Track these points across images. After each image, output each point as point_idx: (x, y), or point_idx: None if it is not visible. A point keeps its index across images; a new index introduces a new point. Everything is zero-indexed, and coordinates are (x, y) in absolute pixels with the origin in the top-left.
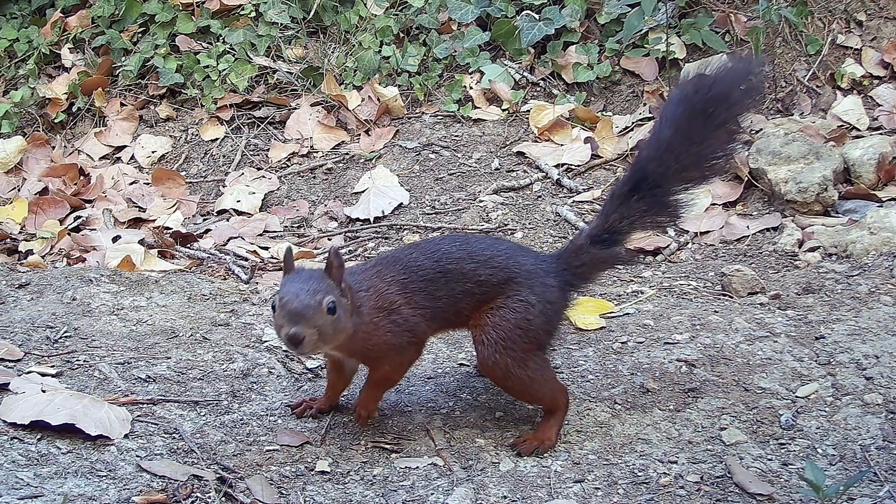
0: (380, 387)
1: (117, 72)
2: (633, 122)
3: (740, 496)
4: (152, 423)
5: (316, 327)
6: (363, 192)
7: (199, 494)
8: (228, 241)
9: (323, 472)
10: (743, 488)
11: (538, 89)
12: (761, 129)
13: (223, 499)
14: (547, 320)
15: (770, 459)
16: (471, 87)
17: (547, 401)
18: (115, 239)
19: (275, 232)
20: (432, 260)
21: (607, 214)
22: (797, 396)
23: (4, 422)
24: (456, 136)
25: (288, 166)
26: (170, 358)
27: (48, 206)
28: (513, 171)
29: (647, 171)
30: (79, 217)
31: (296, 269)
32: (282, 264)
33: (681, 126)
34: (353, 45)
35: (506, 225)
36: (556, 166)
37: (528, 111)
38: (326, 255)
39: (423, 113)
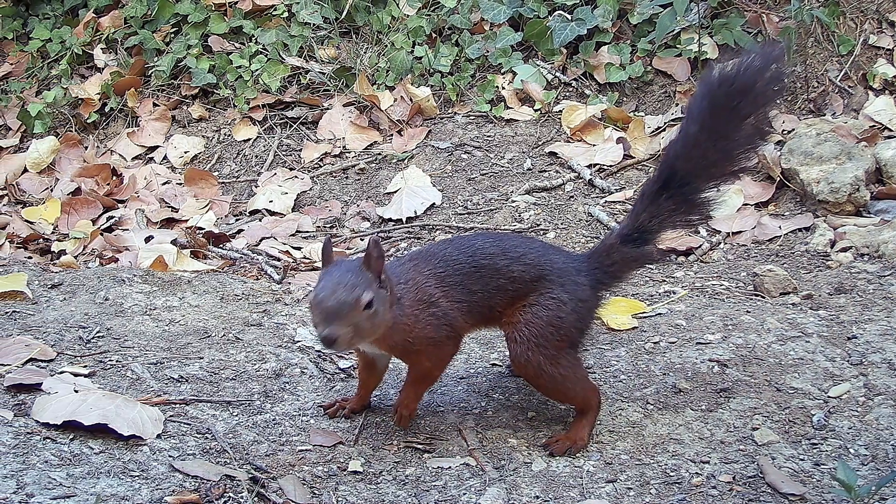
0: (420, 384)
1: (150, 72)
2: (665, 123)
3: (772, 496)
4: (185, 423)
5: (352, 325)
6: (395, 192)
7: (231, 494)
8: (261, 241)
9: (355, 472)
10: (775, 488)
11: (570, 89)
12: (793, 130)
13: (255, 499)
14: (579, 318)
15: (802, 459)
16: (503, 88)
17: (579, 400)
18: (147, 239)
19: (307, 232)
20: (467, 255)
21: (637, 213)
22: (829, 396)
23: (37, 422)
24: (488, 136)
25: (320, 166)
26: (202, 358)
27: (81, 207)
28: (545, 171)
29: (676, 169)
30: (111, 217)
31: (334, 262)
32: (320, 257)
33: (706, 121)
34: (386, 46)
35: (538, 225)
36: (589, 166)
37: (561, 111)
38: (366, 245)
39: (455, 113)
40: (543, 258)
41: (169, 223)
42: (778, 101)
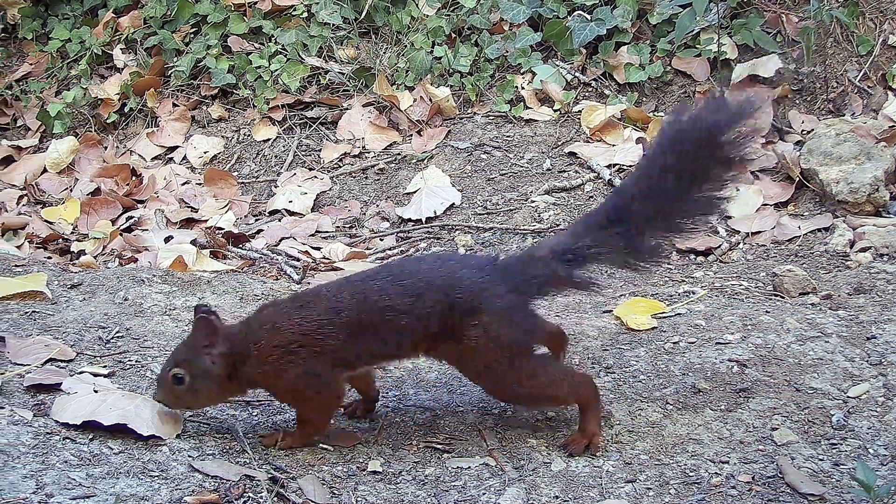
0: (304, 427)
1: (169, 72)
2: None
3: (792, 496)
4: (204, 424)
5: (171, 395)
6: (415, 192)
7: (251, 494)
8: (280, 241)
9: (375, 472)
10: (794, 488)
11: (590, 90)
12: (813, 130)
13: (275, 499)
14: (517, 328)
15: (821, 460)
16: (522, 88)
17: (572, 398)
18: (167, 239)
19: (327, 232)
20: (358, 299)
21: (578, 235)
22: (849, 397)
23: (57, 422)
24: (508, 136)
25: (340, 167)
26: None
27: (100, 207)
28: (564, 171)
29: (632, 210)
30: (131, 217)
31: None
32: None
33: (672, 166)
34: (405, 46)
35: (557, 225)
36: (608, 167)
37: (580, 111)
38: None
39: (474, 113)
40: (450, 286)
41: (188, 223)
42: (740, 168)
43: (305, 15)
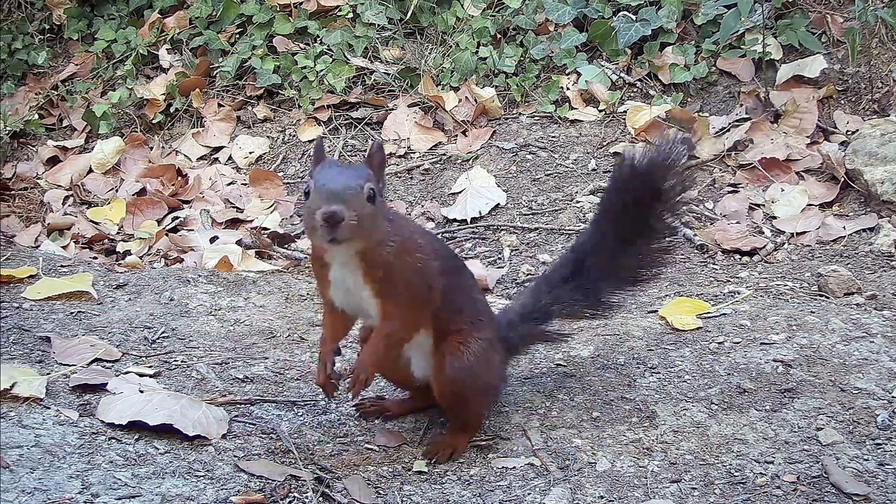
0: (387, 341)
1: (215, 73)
2: (729, 123)
3: (836, 496)
4: (250, 424)
5: (355, 211)
6: (460, 192)
7: (296, 494)
8: None
9: (420, 473)
10: (839, 488)
11: (635, 90)
12: (857, 130)
13: (320, 499)
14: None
15: (866, 459)
16: (567, 88)
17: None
18: (212, 239)
19: None
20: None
21: (540, 295)
22: (893, 396)
23: (102, 422)
24: (553, 136)
25: (385, 167)
26: (267, 358)
27: (146, 207)
28: (610, 171)
29: (585, 266)
30: (176, 218)
31: (329, 159)
32: (313, 155)
33: (617, 218)
34: (450, 46)
35: None
36: None
37: (625, 112)
38: (370, 147)
39: (519, 114)
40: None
41: (234, 223)
42: (682, 207)
43: (351, 15)
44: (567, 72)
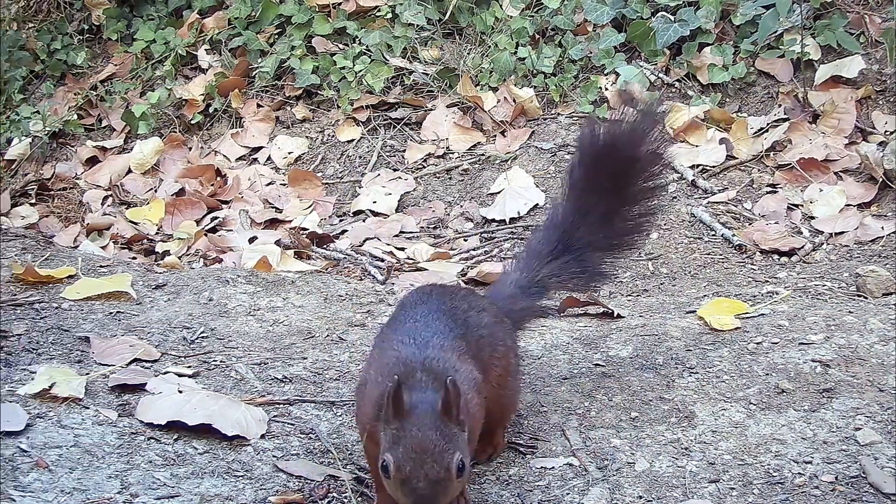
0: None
1: (254, 73)
2: (767, 124)
3: (875, 496)
4: (289, 424)
5: (448, 495)
6: (499, 192)
7: (335, 494)
8: (364, 241)
9: None
10: (878, 489)
11: (673, 90)
12: (895, 131)
13: (359, 499)
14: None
15: None
16: (606, 89)
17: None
18: (251, 240)
19: (411, 233)
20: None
21: (534, 268)
22: None
23: (141, 422)
24: None
25: (424, 167)
26: (306, 358)
27: (185, 207)
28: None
29: (574, 238)
30: (215, 218)
31: (409, 413)
32: (388, 406)
33: (596, 191)
34: (489, 47)
35: None
36: (692, 167)
37: (664, 112)
38: (442, 389)
39: (558, 114)
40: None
41: (273, 224)
42: (658, 172)
43: (390, 16)
44: (605, 72)
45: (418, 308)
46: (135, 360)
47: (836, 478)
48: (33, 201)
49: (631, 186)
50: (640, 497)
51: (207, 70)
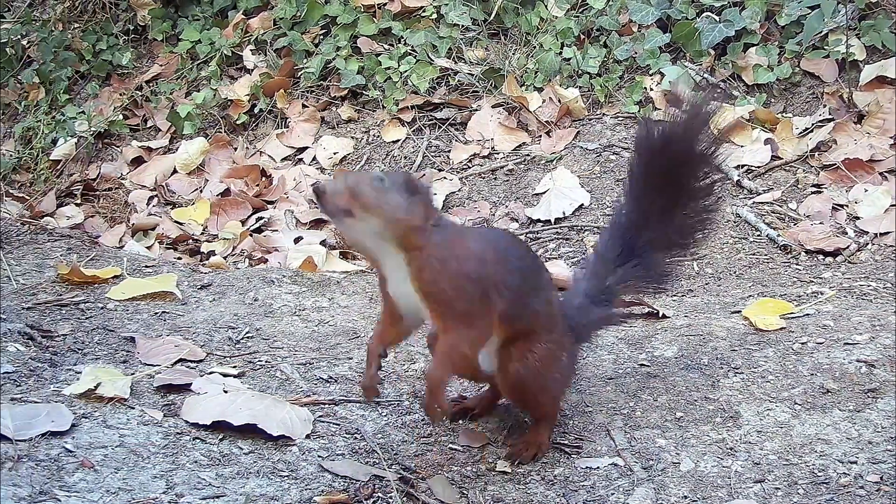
0: (447, 358)
1: (299, 73)
2: (812, 124)
3: None
4: (334, 424)
5: (349, 186)
6: (544, 193)
7: (380, 494)
8: None
9: (504, 473)
10: None
11: (718, 91)
12: None
13: (404, 499)
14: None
15: None
16: (651, 89)
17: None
18: (296, 240)
19: None
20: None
21: (600, 277)
22: None
23: (187, 422)
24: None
25: (469, 167)
26: (351, 358)
27: (230, 208)
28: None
29: (639, 240)
30: (261, 218)
31: None
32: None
33: (655, 189)
34: (534, 47)
35: None
36: (737, 167)
37: None
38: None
39: (603, 114)
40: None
41: (318, 224)
42: (715, 165)
43: (435, 16)
44: (651, 72)
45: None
46: (180, 360)
47: (882, 478)
48: (79, 202)
49: (688, 183)
50: (686, 497)
51: (253, 70)
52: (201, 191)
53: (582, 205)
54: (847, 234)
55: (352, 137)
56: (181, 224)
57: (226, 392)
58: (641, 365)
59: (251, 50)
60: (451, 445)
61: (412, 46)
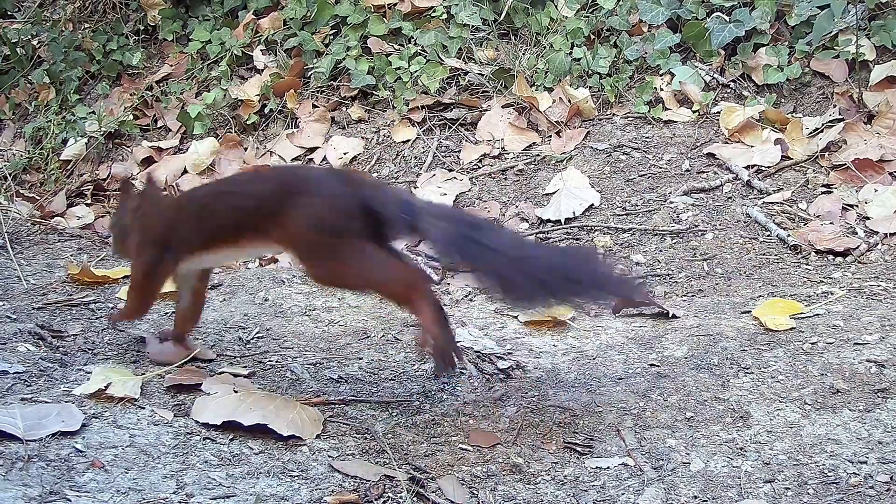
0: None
1: (309, 73)
2: (822, 124)
3: None
4: (344, 424)
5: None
6: (554, 193)
7: (390, 495)
8: (419, 242)
9: (514, 473)
10: None
11: (728, 91)
12: None
13: (414, 498)
14: None
15: None
16: (661, 89)
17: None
18: None
19: None
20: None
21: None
22: None
23: (197, 422)
24: (646, 137)
25: (479, 167)
26: (361, 358)
27: None
28: (703, 172)
29: None
30: None
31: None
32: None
33: None
34: (544, 47)
35: (696, 226)
36: (747, 167)
37: (719, 113)
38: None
39: (613, 115)
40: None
41: None
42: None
43: (445, 16)
44: (661, 73)
45: None
46: (190, 359)
47: (892, 478)
48: (89, 201)
49: None
50: (696, 497)
51: (263, 70)
52: None
53: (592, 205)
54: (857, 234)
55: (362, 137)
56: None
57: (236, 392)
58: (652, 365)
59: (261, 50)
60: (461, 445)
61: (422, 46)
